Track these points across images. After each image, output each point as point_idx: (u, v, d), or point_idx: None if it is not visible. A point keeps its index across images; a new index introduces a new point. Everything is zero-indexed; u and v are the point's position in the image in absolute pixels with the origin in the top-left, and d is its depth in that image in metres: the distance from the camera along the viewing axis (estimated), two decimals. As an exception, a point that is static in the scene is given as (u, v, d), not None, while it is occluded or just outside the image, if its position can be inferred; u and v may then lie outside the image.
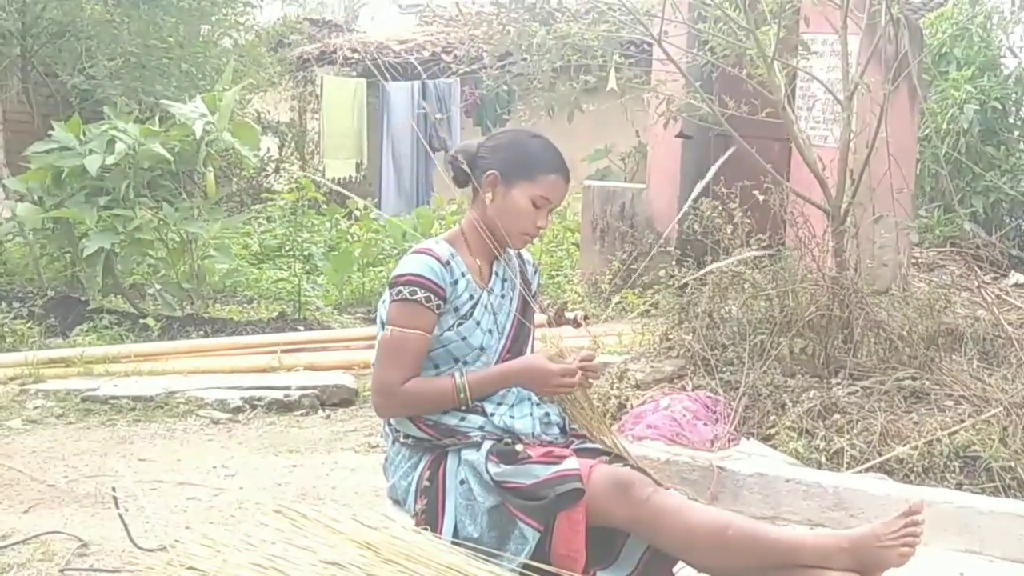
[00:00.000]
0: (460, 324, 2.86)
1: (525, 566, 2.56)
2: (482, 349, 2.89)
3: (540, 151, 2.94)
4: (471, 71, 7.80)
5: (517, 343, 2.99)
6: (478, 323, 2.89)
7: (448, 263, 2.85)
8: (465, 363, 2.87)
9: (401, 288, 2.80)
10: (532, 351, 3.09)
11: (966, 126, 8.65)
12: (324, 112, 13.56)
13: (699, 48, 6.02)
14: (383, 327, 2.89)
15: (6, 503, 4.17)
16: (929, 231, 8.63)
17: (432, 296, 2.79)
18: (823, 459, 4.21)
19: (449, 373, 2.84)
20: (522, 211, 2.88)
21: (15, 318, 7.01)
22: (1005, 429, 4.23)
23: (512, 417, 2.85)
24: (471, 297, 2.89)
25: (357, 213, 11.19)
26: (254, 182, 13.69)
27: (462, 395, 2.78)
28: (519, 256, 3.12)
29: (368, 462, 4.77)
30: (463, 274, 2.88)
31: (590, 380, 2.93)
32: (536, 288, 3.19)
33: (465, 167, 2.95)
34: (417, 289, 2.78)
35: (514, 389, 2.92)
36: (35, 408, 5.54)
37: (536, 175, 2.88)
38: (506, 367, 2.85)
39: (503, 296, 2.98)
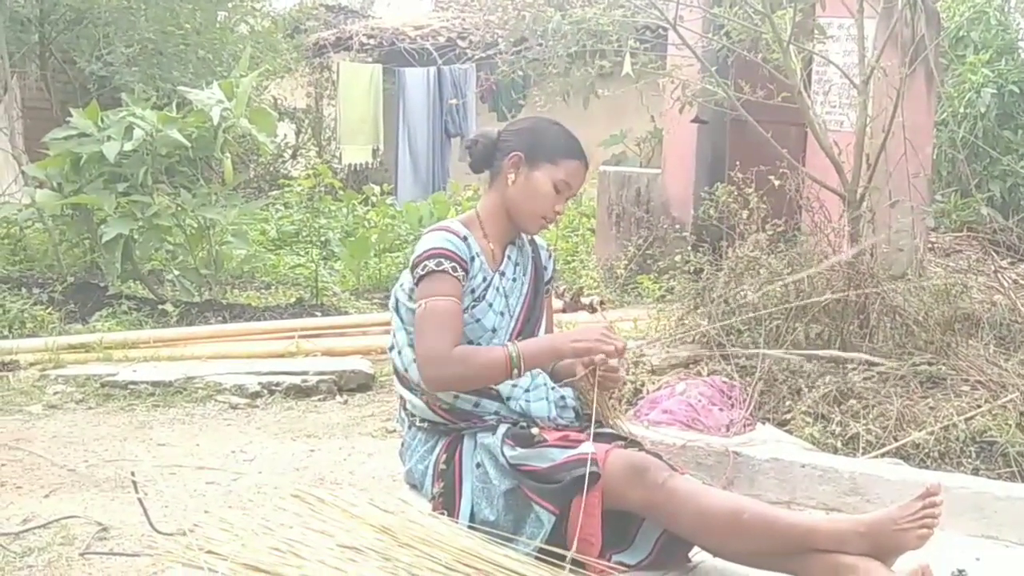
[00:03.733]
0: (474, 306, 2.88)
1: (541, 550, 2.57)
2: (494, 331, 2.91)
3: (564, 137, 2.98)
4: (486, 57, 7.79)
5: (528, 326, 3.00)
6: (491, 305, 2.91)
7: (466, 239, 2.87)
8: (479, 345, 2.89)
9: (426, 263, 2.80)
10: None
11: (983, 110, 8.61)
12: (340, 98, 13.57)
13: (714, 33, 6.01)
14: (398, 311, 2.91)
15: (27, 487, 4.21)
16: (946, 216, 8.60)
17: (457, 266, 2.80)
18: (839, 444, 4.20)
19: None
20: (544, 193, 2.90)
21: (35, 304, 7.06)
22: (1022, 414, 4.21)
23: (528, 401, 2.86)
24: (484, 279, 2.91)
25: (374, 199, 11.21)
26: (271, 168, 13.74)
27: (515, 364, 2.73)
28: (532, 242, 3.13)
29: (385, 447, 4.79)
30: (477, 254, 2.90)
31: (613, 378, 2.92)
32: (552, 273, 3.20)
33: (485, 151, 2.98)
34: (443, 260, 2.79)
35: (530, 372, 2.93)
36: (55, 393, 5.58)
37: (559, 159, 2.91)
38: (553, 336, 2.85)
39: (515, 280, 3.00)
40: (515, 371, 2.75)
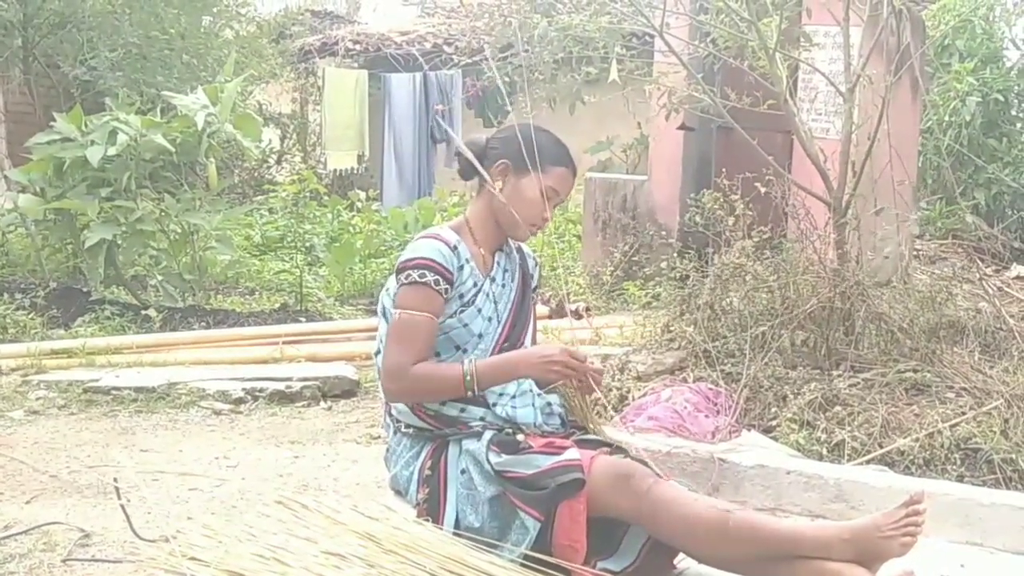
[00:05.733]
0: (463, 311, 2.88)
1: (526, 556, 2.57)
2: (480, 336, 2.91)
3: (552, 144, 2.99)
4: (473, 63, 7.78)
5: (514, 331, 3.00)
6: (479, 310, 2.90)
7: (455, 248, 2.87)
8: (464, 350, 2.89)
9: (410, 272, 2.81)
10: (531, 342, 3.10)
11: (968, 118, 8.63)
12: (326, 104, 13.55)
13: (701, 40, 6.01)
14: (385, 316, 2.90)
15: (8, 494, 4.18)
16: (931, 223, 8.62)
17: (441, 279, 2.80)
18: (824, 451, 4.20)
19: (457, 360, 2.84)
20: (531, 200, 2.90)
21: (17, 309, 7.00)
22: (1006, 421, 4.22)
23: (513, 407, 2.86)
24: (474, 284, 2.91)
25: (359, 204, 11.19)
26: (256, 173, 13.71)
27: (468, 380, 2.75)
28: (519, 250, 3.13)
29: (370, 453, 4.77)
30: (467, 260, 2.90)
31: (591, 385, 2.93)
32: (536, 282, 3.20)
33: (473, 159, 2.97)
34: (426, 272, 2.80)
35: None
36: (37, 399, 5.54)
37: (547, 166, 2.91)
38: (513, 354, 2.85)
39: (504, 286, 3.00)
40: (469, 392, 2.77)
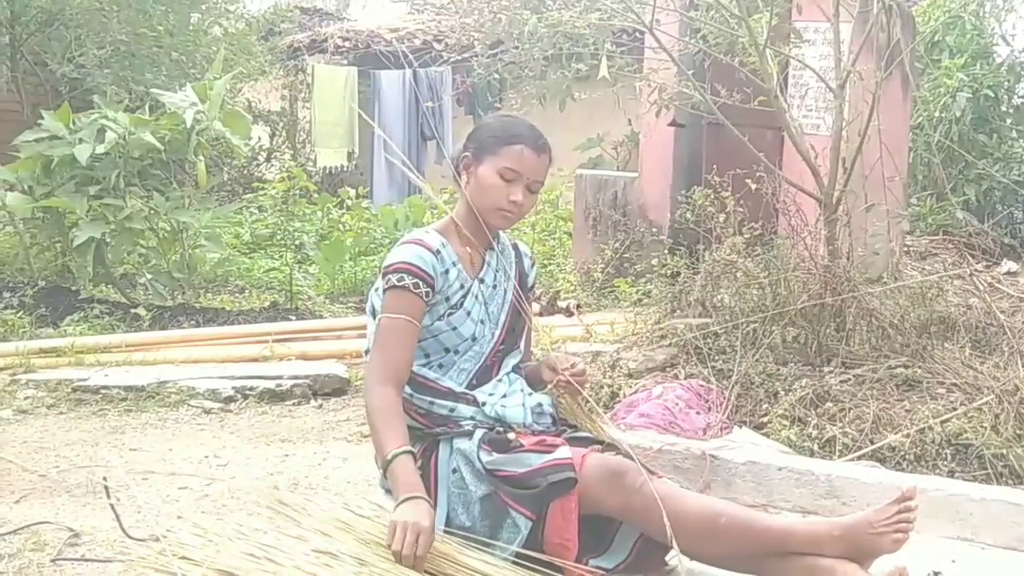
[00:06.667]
0: (451, 314, 2.87)
1: (518, 554, 2.56)
2: (474, 339, 2.90)
3: (506, 126, 2.96)
4: (462, 59, 7.77)
5: (512, 336, 2.99)
6: (468, 313, 2.89)
7: (438, 252, 2.85)
8: (457, 352, 2.88)
9: (390, 276, 2.81)
10: (526, 345, 3.10)
11: (958, 114, 8.63)
12: (315, 101, 13.51)
13: (691, 36, 6.00)
14: (373, 314, 2.90)
15: (-3, 493, 4.16)
16: (921, 219, 8.62)
17: (420, 283, 2.79)
18: (815, 447, 4.21)
19: (448, 362, 2.87)
20: (490, 185, 2.86)
21: (5, 308, 6.99)
22: (997, 417, 4.23)
23: (504, 406, 2.85)
24: (462, 286, 2.89)
25: (349, 202, 11.16)
26: (245, 171, 13.65)
27: (385, 461, 2.63)
28: (515, 248, 3.12)
29: (360, 451, 4.76)
30: (454, 263, 2.88)
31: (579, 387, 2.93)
32: (533, 282, 3.19)
33: (450, 159, 3.01)
34: (405, 276, 2.79)
35: (506, 378, 2.93)
36: (26, 398, 5.52)
37: (500, 148, 2.88)
38: (403, 486, 2.59)
39: (495, 286, 2.98)
40: (379, 466, 2.71)
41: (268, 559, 2.44)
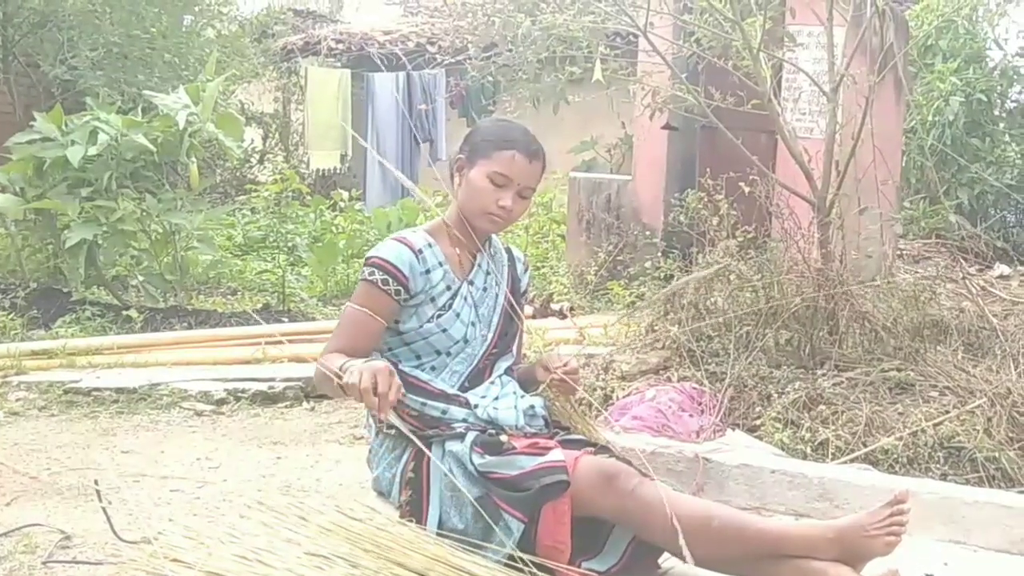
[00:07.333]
0: (439, 316, 2.86)
1: (511, 557, 2.55)
2: (465, 341, 2.89)
3: (501, 130, 2.95)
4: (456, 62, 7.77)
5: (504, 339, 2.99)
6: (458, 315, 2.88)
7: (421, 252, 2.85)
8: (448, 354, 2.88)
9: (364, 269, 2.86)
10: (519, 347, 3.09)
11: (951, 118, 8.67)
12: (308, 103, 13.51)
13: (685, 39, 6.01)
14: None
15: (-12, 496, 4.15)
16: (914, 223, 8.65)
17: (390, 280, 2.80)
18: (808, 450, 4.21)
19: (440, 364, 2.88)
20: (480, 189, 2.86)
21: (-3, 310, 6.97)
22: (989, 420, 4.23)
23: (496, 409, 2.85)
24: (448, 288, 2.89)
25: (342, 204, 11.16)
26: (238, 173, 13.67)
27: (340, 368, 2.62)
28: (508, 253, 3.11)
29: (352, 454, 4.75)
30: (440, 264, 2.88)
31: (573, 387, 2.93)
32: (526, 287, 3.18)
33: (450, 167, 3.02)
34: (376, 271, 2.81)
35: (498, 380, 2.93)
36: (17, 400, 5.50)
37: (491, 152, 2.87)
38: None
39: (485, 289, 2.97)
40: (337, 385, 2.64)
41: (260, 562, 2.43)
